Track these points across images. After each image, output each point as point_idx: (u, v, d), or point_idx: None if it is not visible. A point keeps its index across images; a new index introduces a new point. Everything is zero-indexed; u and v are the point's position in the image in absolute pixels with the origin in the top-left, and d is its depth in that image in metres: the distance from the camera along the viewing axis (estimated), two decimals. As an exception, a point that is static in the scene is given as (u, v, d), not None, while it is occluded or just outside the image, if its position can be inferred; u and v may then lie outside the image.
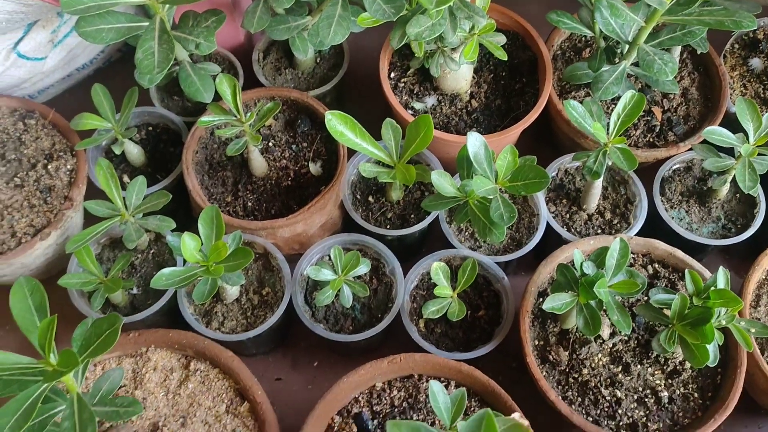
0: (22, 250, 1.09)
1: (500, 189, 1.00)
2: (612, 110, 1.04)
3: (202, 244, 0.98)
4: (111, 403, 0.79)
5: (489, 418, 0.62)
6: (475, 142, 0.99)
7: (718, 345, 0.96)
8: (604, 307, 0.97)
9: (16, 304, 0.73)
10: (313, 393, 1.25)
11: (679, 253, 1.09)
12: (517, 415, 0.72)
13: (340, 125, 1.03)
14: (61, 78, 1.39)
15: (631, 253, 1.11)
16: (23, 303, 0.74)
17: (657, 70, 1.06)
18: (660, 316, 0.97)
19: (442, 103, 1.25)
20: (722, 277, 0.94)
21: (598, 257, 0.98)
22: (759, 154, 1.04)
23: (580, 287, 0.96)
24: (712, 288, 0.93)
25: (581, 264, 0.97)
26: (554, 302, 0.95)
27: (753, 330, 0.95)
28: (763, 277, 1.12)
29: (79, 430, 0.71)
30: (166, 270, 0.96)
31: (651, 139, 1.23)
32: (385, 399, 1.00)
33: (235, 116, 1.07)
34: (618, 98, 1.22)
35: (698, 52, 1.24)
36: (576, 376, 1.04)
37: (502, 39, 1.14)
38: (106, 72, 1.47)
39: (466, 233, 1.18)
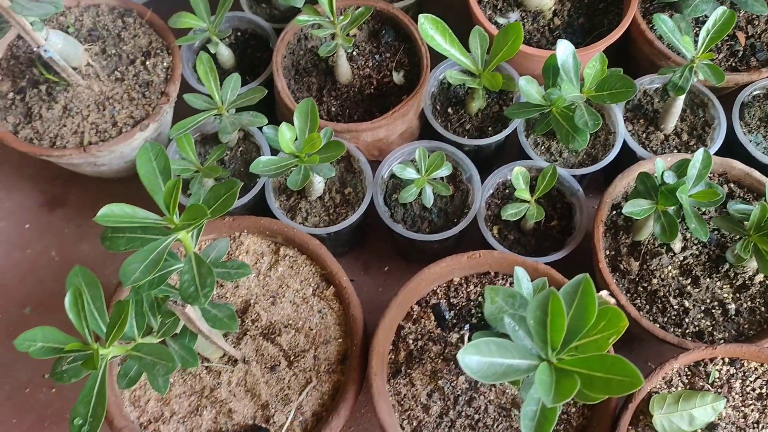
0: (123, 138, 1.16)
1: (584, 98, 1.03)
2: (697, 33, 1.05)
3: (296, 138, 1.03)
4: (222, 266, 0.85)
5: (587, 282, 0.66)
6: (565, 50, 1.02)
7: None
8: (681, 217, 1.00)
9: (143, 166, 0.79)
10: (383, 295, 1.31)
11: (756, 174, 1.11)
12: (605, 293, 0.77)
13: (431, 29, 1.06)
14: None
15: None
16: (148, 165, 0.79)
17: (751, -13, 1.06)
18: (737, 227, 0.99)
19: (525, 20, 1.26)
20: (803, 191, 0.96)
21: (679, 168, 1.01)
22: None
23: (660, 195, 0.98)
24: (793, 200, 0.95)
25: (662, 173, 0.99)
26: (633, 207, 0.99)
27: (829, 244, 0.97)
28: (838, 203, 1.13)
29: (199, 282, 0.77)
30: (263, 158, 1.02)
31: (733, 64, 1.23)
32: (462, 293, 1.05)
33: (329, 18, 1.11)
34: (703, 21, 1.22)
35: (790, -24, 1.22)
36: (645, 285, 1.08)
37: (593, -48, 1.15)
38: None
39: (542, 147, 1.21)
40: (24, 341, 0.75)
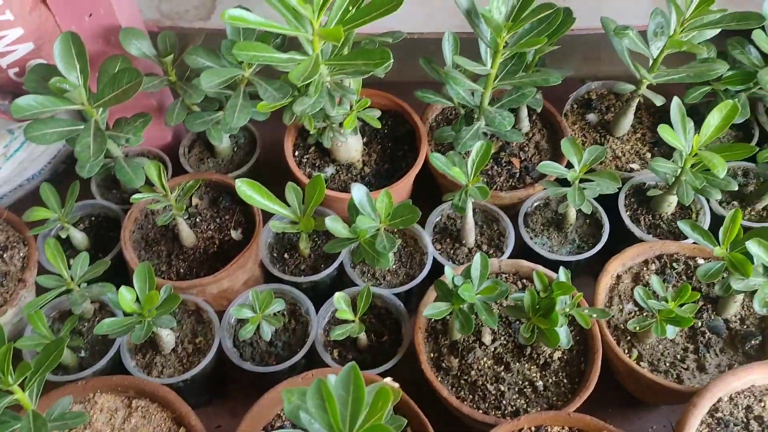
0: (-18, 325, 1.25)
1: (384, 227, 1.23)
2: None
3: (137, 299, 1.17)
4: (61, 418, 0.95)
5: (354, 368, 0.81)
6: (358, 191, 1.23)
7: (574, 336, 1.17)
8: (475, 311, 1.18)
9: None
10: (251, 435, 1.39)
11: (540, 268, 1.32)
12: (388, 380, 0.91)
13: (249, 190, 1.26)
14: (13, 188, 1.60)
15: (503, 272, 1.35)
16: (-14, 338, 0.91)
17: (498, 123, 1.34)
18: (521, 313, 1.18)
19: (340, 172, 1.49)
20: (563, 274, 1.17)
21: (466, 272, 1.20)
22: (582, 180, 1.31)
23: (454, 296, 1.17)
24: (555, 282, 1.15)
25: (452, 277, 1.18)
26: (433, 310, 1.16)
27: (594, 315, 1.17)
28: (613, 282, 1.35)
29: (34, 433, 0.86)
30: (107, 320, 1.14)
31: (513, 184, 1.49)
32: (304, 412, 1.16)
33: (162, 192, 1.29)
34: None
35: (538, 111, 1.53)
36: (466, 378, 1.23)
37: (377, 113, 1.41)
38: (52, 182, 1.68)
39: (369, 274, 1.39)
40: None
